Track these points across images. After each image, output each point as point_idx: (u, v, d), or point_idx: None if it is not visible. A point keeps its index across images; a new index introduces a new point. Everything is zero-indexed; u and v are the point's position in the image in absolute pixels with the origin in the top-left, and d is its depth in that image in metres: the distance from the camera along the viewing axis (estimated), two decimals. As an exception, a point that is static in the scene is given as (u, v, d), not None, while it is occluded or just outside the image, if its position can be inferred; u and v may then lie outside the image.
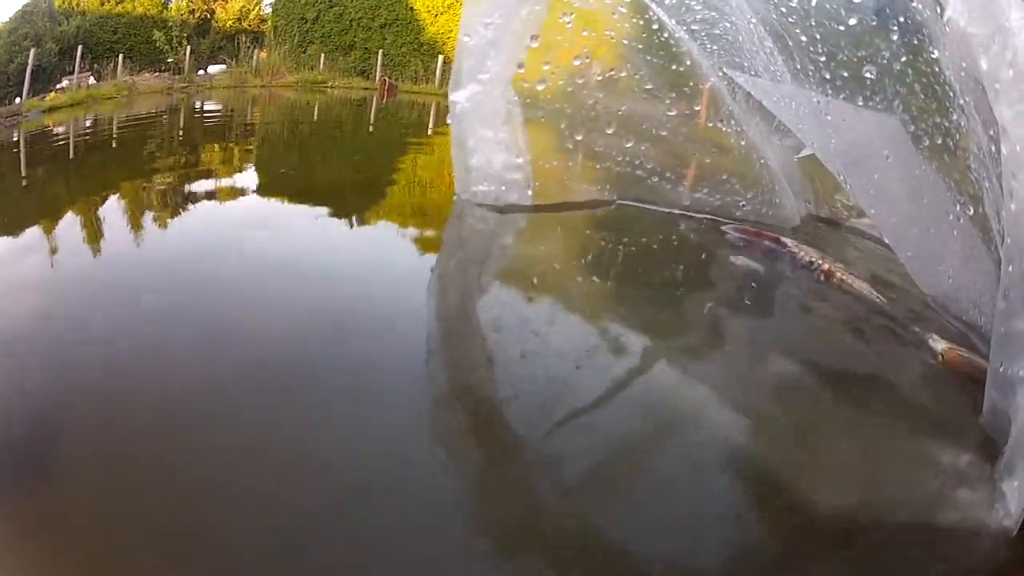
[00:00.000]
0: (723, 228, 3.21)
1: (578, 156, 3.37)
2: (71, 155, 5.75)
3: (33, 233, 3.04)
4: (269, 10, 15.72)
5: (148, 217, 3.39)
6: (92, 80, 11.99)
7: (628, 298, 2.52)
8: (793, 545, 1.46)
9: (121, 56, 12.90)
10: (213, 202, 3.94)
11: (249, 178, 4.96)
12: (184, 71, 13.47)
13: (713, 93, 3.30)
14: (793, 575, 1.39)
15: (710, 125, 3.37)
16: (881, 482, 1.64)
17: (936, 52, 2.09)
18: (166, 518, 1.33)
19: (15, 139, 6.58)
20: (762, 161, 3.35)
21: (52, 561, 1.23)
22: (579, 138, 3.30)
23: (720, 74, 3.25)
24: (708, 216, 3.40)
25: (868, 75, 2.33)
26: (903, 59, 2.26)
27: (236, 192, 4.16)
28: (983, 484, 1.60)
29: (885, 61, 2.29)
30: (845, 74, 2.39)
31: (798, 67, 2.51)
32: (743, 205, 3.42)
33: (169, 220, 3.37)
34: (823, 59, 2.40)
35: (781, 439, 1.77)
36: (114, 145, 6.48)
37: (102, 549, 1.28)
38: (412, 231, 3.31)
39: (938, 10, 1.86)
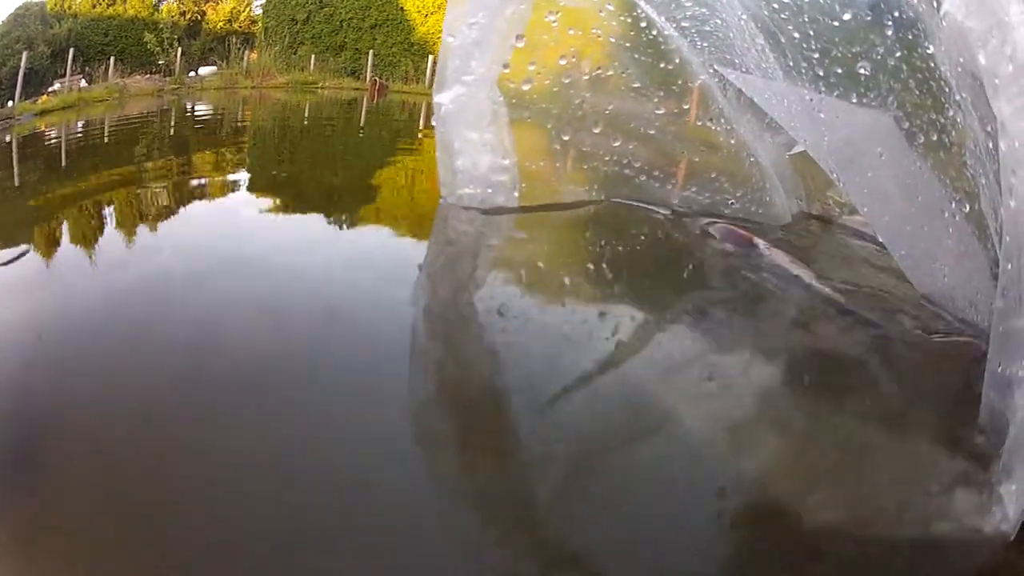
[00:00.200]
0: (708, 228, 3.18)
1: (565, 156, 3.33)
2: (63, 158, 5.80)
3: (24, 233, 3.03)
4: (260, 11, 15.94)
5: (132, 219, 3.39)
6: (84, 83, 12.17)
7: (613, 296, 2.50)
8: (775, 553, 1.43)
9: (112, 58, 13.07)
10: (200, 206, 3.94)
11: (238, 181, 4.95)
12: (175, 73, 13.61)
13: (702, 91, 3.27)
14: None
15: (699, 123, 3.33)
16: (869, 485, 1.61)
17: (932, 47, 2.05)
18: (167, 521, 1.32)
19: (8, 141, 6.64)
20: (752, 159, 3.32)
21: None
22: (566, 138, 3.26)
23: (711, 71, 3.22)
24: (698, 214, 3.36)
25: (862, 71, 2.29)
26: (898, 55, 2.22)
27: (224, 196, 4.17)
28: (979, 487, 1.56)
29: (879, 57, 2.25)
30: (839, 71, 2.35)
31: (790, 64, 2.46)
32: (732, 203, 3.38)
33: (155, 223, 3.35)
34: (816, 56, 2.36)
35: (766, 441, 1.74)
36: (105, 148, 6.52)
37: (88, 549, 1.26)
38: (401, 233, 3.32)
39: (934, 4, 1.83)
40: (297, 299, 2.31)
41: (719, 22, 3.01)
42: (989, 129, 1.77)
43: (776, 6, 2.46)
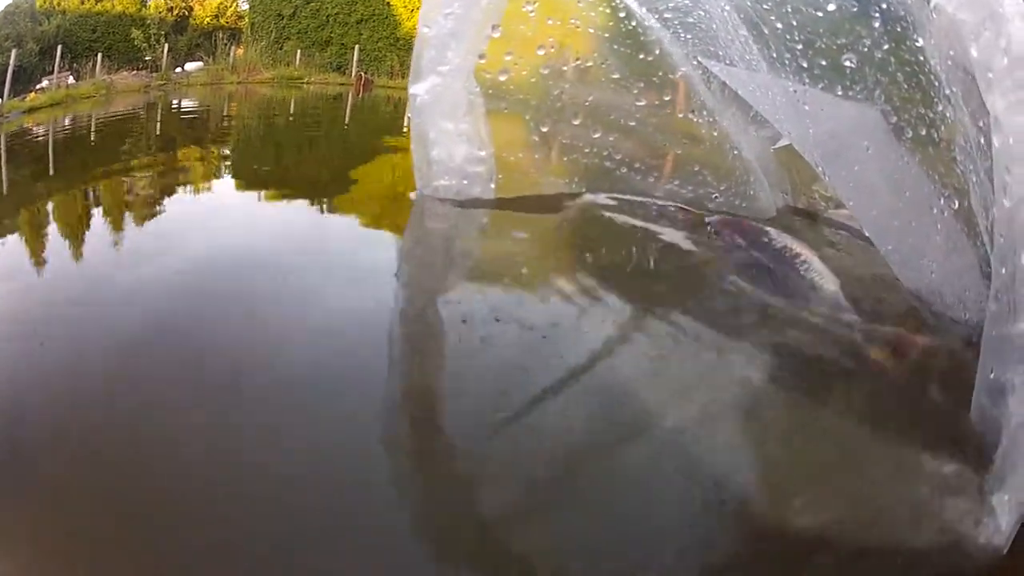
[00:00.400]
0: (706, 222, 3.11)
1: (543, 148, 3.29)
2: (50, 155, 5.85)
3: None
4: (246, 6, 15.85)
5: (110, 218, 3.39)
6: (71, 79, 12.07)
7: (593, 291, 2.42)
8: (755, 563, 1.40)
9: (100, 55, 12.98)
10: (180, 205, 3.90)
11: (221, 176, 5.01)
12: (161, 69, 13.49)
13: (684, 82, 3.21)
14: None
15: (681, 115, 3.29)
16: (858, 492, 1.56)
17: (921, 40, 1.99)
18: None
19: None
20: (736, 151, 3.27)
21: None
22: (544, 130, 3.21)
23: (694, 63, 3.16)
24: (680, 207, 3.30)
25: (848, 64, 2.22)
26: (885, 47, 2.15)
27: (206, 194, 4.18)
28: (969, 496, 1.52)
29: (866, 49, 2.19)
30: (823, 62, 2.29)
31: (774, 55, 2.40)
32: (716, 197, 3.33)
33: (138, 221, 3.37)
34: (800, 47, 2.29)
35: (749, 442, 1.71)
36: (92, 145, 6.63)
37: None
38: (379, 226, 3.26)
39: (925, -4, 1.77)
40: (273, 297, 2.28)
41: (702, 13, 2.95)
42: (981, 124, 1.71)
43: (759, -4, 2.40)
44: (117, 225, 3.20)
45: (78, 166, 5.33)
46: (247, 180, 4.59)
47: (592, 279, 2.52)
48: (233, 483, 1.45)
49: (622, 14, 3.09)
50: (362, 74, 14.28)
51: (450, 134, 2.94)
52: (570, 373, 1.91)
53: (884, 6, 2.08)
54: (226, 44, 14.96)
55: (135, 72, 13.32)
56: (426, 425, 1.70)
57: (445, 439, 1.67)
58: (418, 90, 2.91)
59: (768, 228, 2.94)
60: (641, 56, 3.12)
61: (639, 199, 3.34)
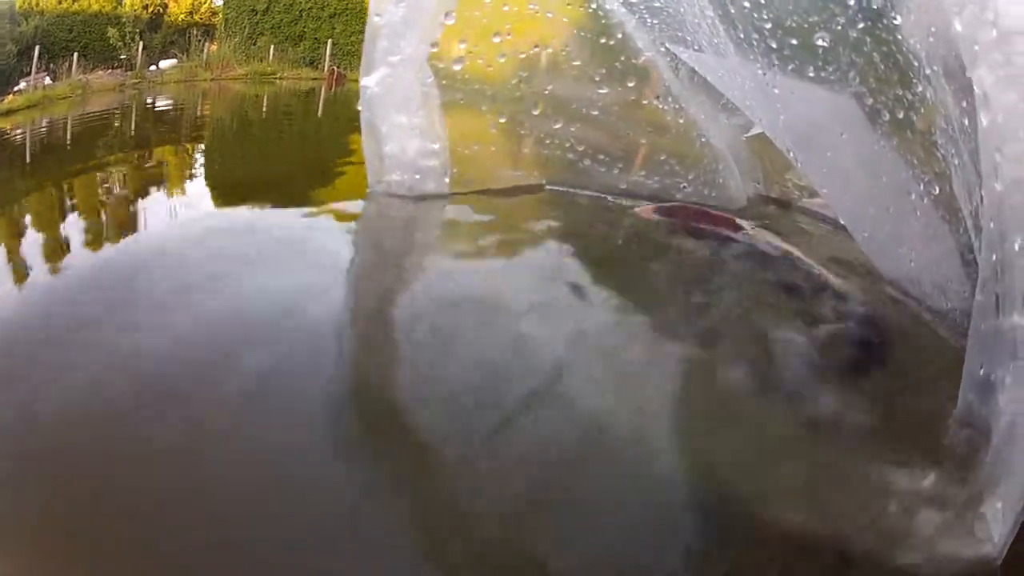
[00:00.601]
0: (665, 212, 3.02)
1: (501, 140, 3.16)
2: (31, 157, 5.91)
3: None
4: (220, 2, 15.53)
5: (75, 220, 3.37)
6: (48, 80, 11.99)
7: (553, 290, 2.30)
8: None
9: (76, 55, 12.81)
10: (154, 200, 3.87)
11: (192, 181, 4.91)
12: (136, 67, 13.34)
13: (649, 69, 3.10)
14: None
15: (645, 103, 3.17)
16: (832, 500, 1.47)
17: (899, 17, 1.88)
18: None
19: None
20: (704, 139, 3.18)
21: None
22: (502, 121, 3.08)
23: (662, 50, 3.08)
24: (645, 198, 3.21)
25: (820, 43, 2.11)
26: (860, 25, 2.04)
27: (177, 196, 4.09)
28: (957, 504, 1.41)
29: (840, 27, 2.08)
30: (794, 42, 2.18)
31: (741, 36, 2.30)
32: (684, 187, 3.24)
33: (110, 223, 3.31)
34: (768, 26, 2.18)
35: (722, 454, 1.59)
36: (68, 146, 6.72)
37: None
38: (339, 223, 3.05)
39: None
40: (217, 293, 2.13)
41: (669, -4, 2.84)
42: (965, 104, 1.59)
43: (724, -30, 2.29)
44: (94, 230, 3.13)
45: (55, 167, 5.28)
46: (220, 184, 4.54)
47: (553, 271, 2.43)
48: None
49: (585, -1, 2.98)
50: (334, 68, 14.25)
51: (403, 127, 2.82)
52: (540, 369, 1.82)
53: (860, -19, 1.98)
54: (200, 41, 14.77)
55: (110, 71, 13.17)
56: (390, 428, 1.60)
57: (414, 440, 1.58)
58: (369, 82, 2.80)
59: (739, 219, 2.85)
60: (603, 41, 3.01)
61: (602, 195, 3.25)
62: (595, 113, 3.15)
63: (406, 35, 2.73)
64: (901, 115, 2.09)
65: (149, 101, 10.90)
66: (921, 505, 1.43)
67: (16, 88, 11.23)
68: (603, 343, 2.01)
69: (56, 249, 2.77)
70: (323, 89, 12.78)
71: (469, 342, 1.94)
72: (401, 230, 2.76)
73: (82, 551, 1.25)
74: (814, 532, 1.38)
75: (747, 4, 2.22)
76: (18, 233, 3.08)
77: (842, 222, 2.51)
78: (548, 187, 3.25)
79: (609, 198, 3.21)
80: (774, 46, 2.21)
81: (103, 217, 3.45)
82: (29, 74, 11.62)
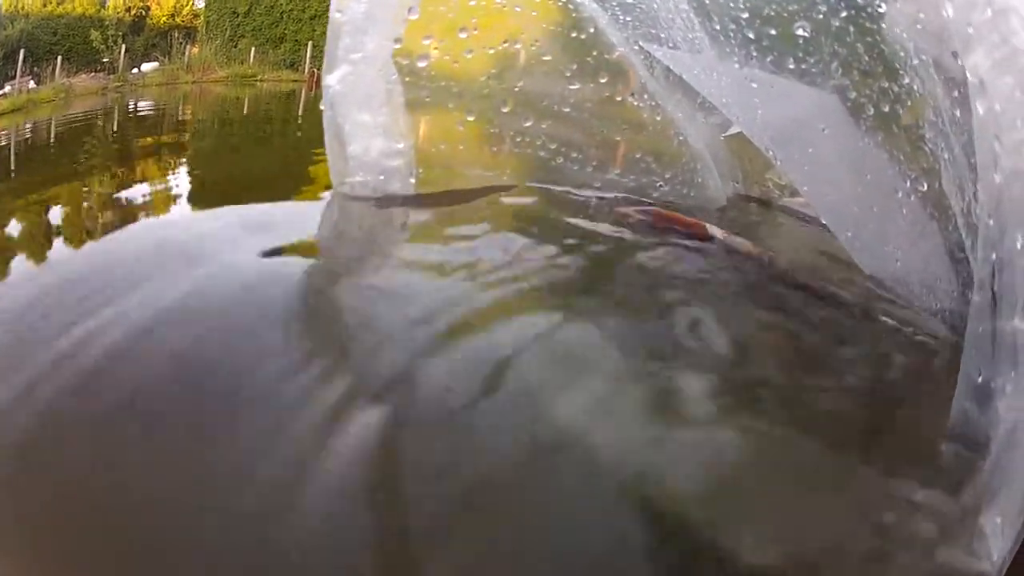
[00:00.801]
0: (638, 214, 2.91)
1: (469, 138, 3.08)
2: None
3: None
4: (202, 4, 16.17)
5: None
6: (32, 84, 12.29)
7: (525, 295, 2.18)
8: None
9: (59, 58, 13.26)
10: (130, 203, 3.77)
11: (174, 185, 4.73)
12: (118, 70, 13.77)
13: (623, 65, 3.02)
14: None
15: (619, 99, 3.09)
16: (814, 514, 1.36)
17: (884, 5, 1.81)
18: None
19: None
20: (681, 138, 3.11)
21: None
22: (470, 119, 3.00)
23: (636, 47, 2.99)
24: (620, 196, 3.13)
25: (801, 32, 2.03)
26: (843, 14, 1.98)
27: (156, 202, 3.91)
28: (952, 519, 1.31)
29: (822, 16, 2.01)
30: (772, 32, 2.11)
31: (717, 28, 2.23)
32: (660, 186, 3.16)
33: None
34: (745, 15, 2.11)
35: (693, 470, 1.46)
36: (52, 152, 6.70)
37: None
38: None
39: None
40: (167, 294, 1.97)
41: (640, -11, 2.75)
42: (956, 94, 1.53)
43: (697, -43, 2.21)
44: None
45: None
46: (197, 184, 4.49)
47: (520, 274, 2.30)
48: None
49: (555, -7, 2.89)
50: (315, 71, 14.35)
51: (367, 127, 2.71)
52: (502, 376, 1.68)
53: (843, -33, 1.90)
54: (182, 43, 15.19)
55: (93, 74, 13.50)
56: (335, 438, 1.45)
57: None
58: (331, 80, 2.67)
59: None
60: (575, 35, 2.92)
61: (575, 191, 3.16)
62: (567, 110, 3.07)
63: (369, 31, 2.63)
64: (886, 108, 2.02)
65: (131, 105, 10.87)
66: (913, 519, 1.32)
67: (1, 92, 11.49)
68: (563, 347, 1.88)
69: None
70: (303, 91, 13.03)
71: (423, 348, 1.80)
72: (361, 234, 2.65)
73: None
74: (792, 550, 1.27)
75: (723, -8, 2.15)
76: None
77: (824, 221, 2.40)
78: (519, 186, 3.16)
79: (582, 197, 3.13)
80: (752, 37, 2.14)
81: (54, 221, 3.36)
82: (14, 78, 11.96)
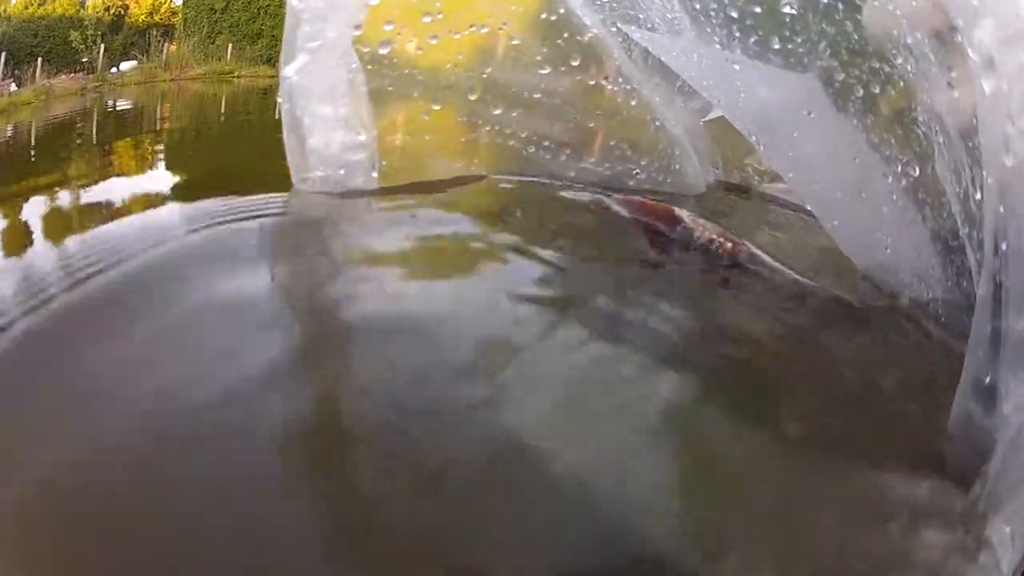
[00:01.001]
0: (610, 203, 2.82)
1: (435, 128, 2.95)
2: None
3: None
4: (180, 2, 16.00)
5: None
6: (14, 87, 12.23)
7: (497, 296, 2.07)
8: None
9: (40, 59, 13.13)
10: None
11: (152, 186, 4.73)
12: (97, 70, 13.68)
13: (596, 47, 2.89)
14: None
15: (592, 83, 2.96)
16: (806, 525, 1.27)
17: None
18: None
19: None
20: (659, 123, 3.01)
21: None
22: (436, 107, 2.87)
23: (613, 29, 2.88)
24: (593, 186, 3.03)
25: (788, 10, 1.93)
26: None
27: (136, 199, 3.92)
28: (957, 527, 1.22)
29: None
30: (757, 9, 2.00)
31: (697, 7, 2.11)
32: (637, 173, 3.06)
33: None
34: None
35: (678, 480, 1.39)
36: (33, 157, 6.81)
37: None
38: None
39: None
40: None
41: (616, -33, 2.65)
42: (954, 75, 1.43)
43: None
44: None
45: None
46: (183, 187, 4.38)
47: (492, 268, 2.23)
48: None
49: (524, -28, 2.79)
50: None
51: (327, 119, 2.59)
52: (478, 382, 1.61)
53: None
54: (160, 41, 15.05)
55: (72, 75, 13.40)
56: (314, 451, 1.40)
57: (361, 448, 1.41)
58: (288, 71, 2.55)
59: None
60: (545, 16, 2.80)
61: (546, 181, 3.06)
62: (539, 96, 2.96)
63: (328, 18, 2.50)
64: (877, 90, 1.92)
65: (109, 104, 11.11)
66: (913, 530, 1.23)
67: (-17, 95, 11.57)
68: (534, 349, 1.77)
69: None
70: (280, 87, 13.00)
71: (395, 353, 1.71)
72: (321, 233, 2.51)
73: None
74: (786, 564, 1.19)
75: (704, -31, 2.04)
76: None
77: (808, 208, 2.34)
78: (489, 177, 3.06)
79: (555, 187, 3.04)
80: (735, 16, 2.03)
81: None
82: (-3, 81, 12.11)
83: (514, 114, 2.95)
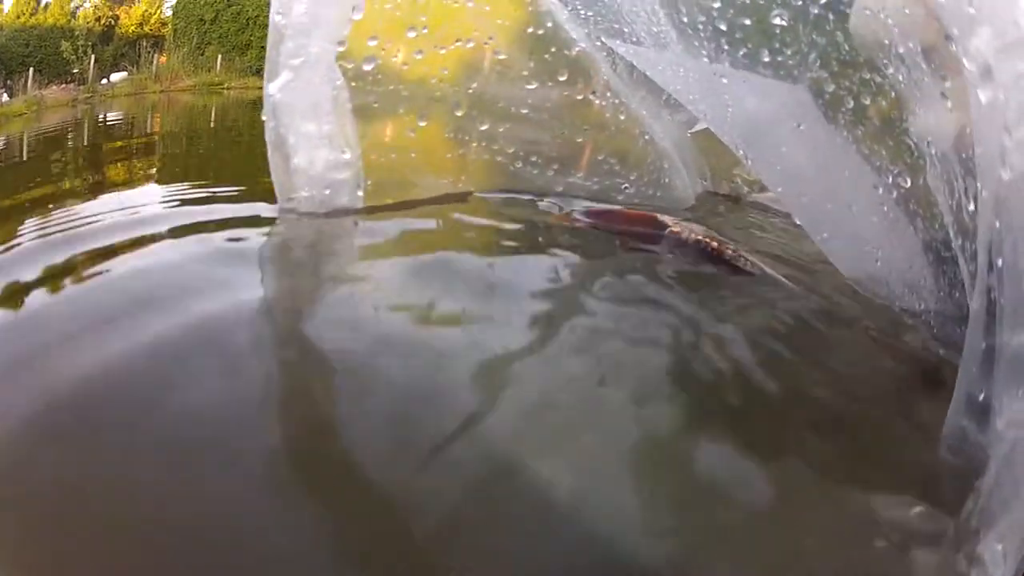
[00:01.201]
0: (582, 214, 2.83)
1: (421, 145, 2.90)
2: None
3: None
4: (171, 13, 16.56)
5: None
6: (6, 97, 12.54)
7: (486, 313, 2.04)
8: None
9: (31, 70, 13.47)
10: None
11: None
12: (88, 81, 13.97)
13: (583, 61, 2.88)
14: None
15: (580, 98, 2.95)
16: (799, 547, 1.23)
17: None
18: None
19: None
20: (646, 137, 3.00)
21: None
22: (422, 124, 2.83)
23: (598, 44, 2.89)
24: (584, 201, 3.01)
25: (777, 21, 1.91)
26: (823, 1, 1.86)
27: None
28: (949, 545, 1.20)
29: (800, 3, 1.88)
30: (746, 22, 1.98)
31: (684, 20, 2.10)
32: (626, 187, 3.06)
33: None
34: (716, 5, 1.98)
35: (664, 502, 1.34)
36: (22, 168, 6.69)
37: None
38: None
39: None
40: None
41: (603, -19, 2.64)
42: (948, 84, 1.41)
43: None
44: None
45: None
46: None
47: (478, 284, 2.19)
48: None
49: (510, -12, 2.77)
50: None
51: (311, 137, 2.54)
52: (469, 400, 1.57)
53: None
54: (149, 52, 15.51)
55: (63, 86, 13.64)
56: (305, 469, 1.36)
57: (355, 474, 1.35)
58: (272, 88, 2.50)
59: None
60: (531, 30, 2.78)
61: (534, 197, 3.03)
62: (525, 111, 2.94)
63: (312, 34, 2.46)
64: (868, 101, 1.91)
65: (100, 116, 10.98)
66: (904, 547, 1.21)
67: (-25, 107, 11.72)
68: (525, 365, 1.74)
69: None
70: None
71: (381, 374, 1.66)
72: (307, 255, 2.46)
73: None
74: None
75: (691, -19, 2.02)
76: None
77: (798, 221, 2.33)
78: (477, 194, 3.02)
79: (543, 203, 3.01)
80: (723, 28, 2.02)
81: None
82: (-12, 92, 12.44)
83: (501, 129, 2.92)
